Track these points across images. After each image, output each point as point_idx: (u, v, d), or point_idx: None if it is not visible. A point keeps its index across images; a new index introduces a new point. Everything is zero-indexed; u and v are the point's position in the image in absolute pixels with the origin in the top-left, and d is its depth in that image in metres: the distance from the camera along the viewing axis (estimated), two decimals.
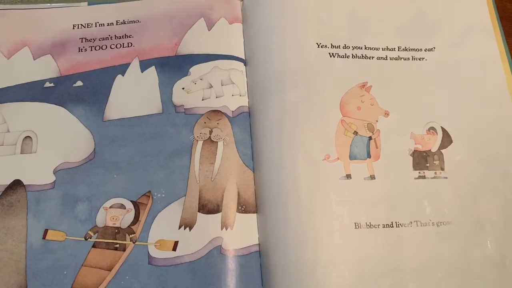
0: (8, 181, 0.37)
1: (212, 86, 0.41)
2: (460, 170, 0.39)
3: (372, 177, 0.38)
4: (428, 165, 0.39)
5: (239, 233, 0.36)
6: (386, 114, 0.40)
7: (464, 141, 0.40)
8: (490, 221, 0.37)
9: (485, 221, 0.37)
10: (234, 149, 0.39)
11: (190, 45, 0.43)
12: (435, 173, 0.39)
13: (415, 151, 0.39)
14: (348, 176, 0.38)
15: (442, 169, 0.39)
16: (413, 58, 0.42)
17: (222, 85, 0.41)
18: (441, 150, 0.40)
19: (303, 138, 0.38)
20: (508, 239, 0.37)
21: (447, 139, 0.40)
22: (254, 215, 0.37)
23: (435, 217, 0.37)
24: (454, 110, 0.41)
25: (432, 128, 0.40)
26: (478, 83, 0.42)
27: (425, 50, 0.43)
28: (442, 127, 0.40)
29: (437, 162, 0.39)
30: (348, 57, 0.42)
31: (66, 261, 0.35)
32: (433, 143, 0.40)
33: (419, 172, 0.39)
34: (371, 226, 0.36)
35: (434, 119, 0.40)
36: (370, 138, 0.39)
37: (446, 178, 0.39)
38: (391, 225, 0.37)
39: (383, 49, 0.42)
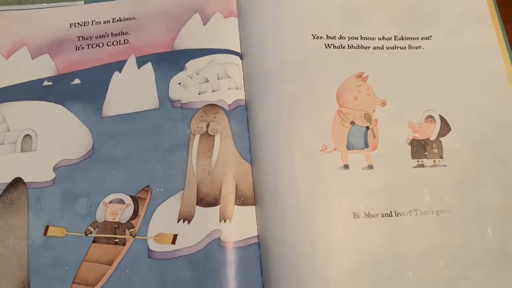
0: (9, 179, 0.38)
1: (208, 80, 0.41)
2: (459, 158, 0.38)
3: (370, 167, 0.38)
4: (426, 153, 0.39)
5: (238, 226, 0.36)
6: (383, 103, 0.40)
7: (462, 129, 0.39)
8: (490, 208, 0.37)
9: (485, 208, 0.37)
10: (231, 142, 0.39)
11: (186, 40, 0.43)
12: (434, 161, 0.38)
13: (413, 140, 0.39)
14: (346, 166, 0.37)
15: (441, 157, 0.39)
16: (410, 47, 0.42)
17: (218, 79, 0.41)
18: (440, 138, 0.39)
19: (300, 129, 0.38)
20: (509, 227, 0.36)
21: (445, 127, 0.40)
22: (253, 207, 0.37)
23: (434, 205, 0.37)
24: (452, 98, 0.40)
25: (430, 117, 0.40)
26: (476, 71, 0.41)
27: (421, 39, 0.42)
28: (440, 115, 0.40)
29: (435, 150, 0.39)
30: (344, 47, 0.41)
31: (67, 256, 0.36)
32: (431, 131, 0.39)
33: (418, 161, 0.38)
34: (370, 216, 0.36)
35: (432, 107, 0.40)
36: (367, 128, 0.39)
37: (445, 166, 0.38)
38: (390, 214, 0.36)
39: (379, 39, 0.42)
